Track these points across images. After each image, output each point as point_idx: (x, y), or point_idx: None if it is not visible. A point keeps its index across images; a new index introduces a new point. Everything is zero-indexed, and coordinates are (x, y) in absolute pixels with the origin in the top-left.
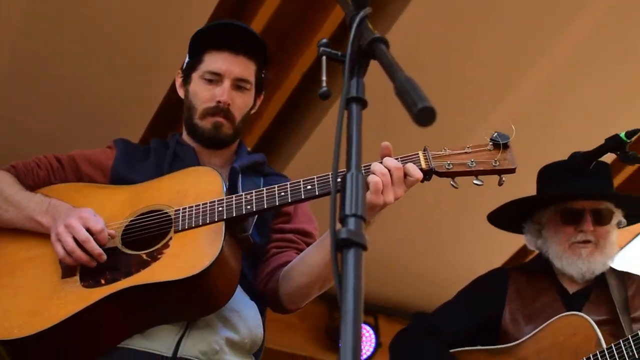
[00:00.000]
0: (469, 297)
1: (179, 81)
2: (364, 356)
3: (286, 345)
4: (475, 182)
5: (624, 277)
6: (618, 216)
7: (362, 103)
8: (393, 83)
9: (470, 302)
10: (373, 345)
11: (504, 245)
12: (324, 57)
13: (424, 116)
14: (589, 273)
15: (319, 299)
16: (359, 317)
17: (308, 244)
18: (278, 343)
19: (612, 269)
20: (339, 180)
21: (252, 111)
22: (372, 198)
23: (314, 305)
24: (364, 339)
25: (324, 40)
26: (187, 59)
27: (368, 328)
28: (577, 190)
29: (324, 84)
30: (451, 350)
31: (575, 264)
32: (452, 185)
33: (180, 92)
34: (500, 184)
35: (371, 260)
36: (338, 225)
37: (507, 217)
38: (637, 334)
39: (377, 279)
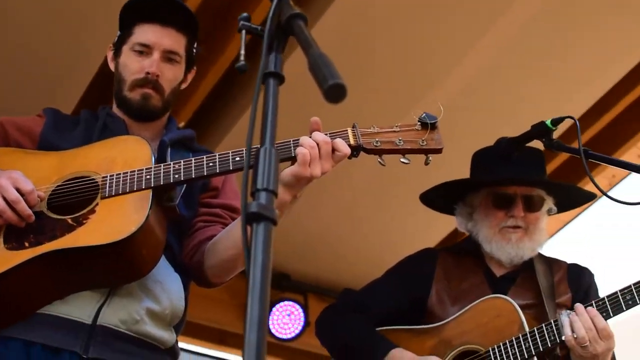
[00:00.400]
0: (396, 276)
1: (110, 54)
2: (293, 334)
3: (216, 321)
4: (402, 160)
5: (551, 264)
6: (549, 203)
7: (279, 78)
8: (307, 58)
9: (398, 282)
10: (302, 324)
11: (434, 228)
12: (243, 32)
13: (334, 92)
14: (517, 258)
15: None
16: (266, 291)
17: (234, 219)
18: (208, 319)
19: (540, 255)
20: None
21: (184, 85)
22: (299, 170)
23: (244, 282)
24: (293, 317)
25: (245, 15)
26: (118, 32)
27: (297, 307)
28: (510, 175)
29: (242, 57)
30: (377, 329)
31: (504, 248)
32: (380, 162)
33: (111, 65)
34: (426, 163)
35: (301, 239)
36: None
37: (439, 198)
38: (557, 320)
39: (306, 258)
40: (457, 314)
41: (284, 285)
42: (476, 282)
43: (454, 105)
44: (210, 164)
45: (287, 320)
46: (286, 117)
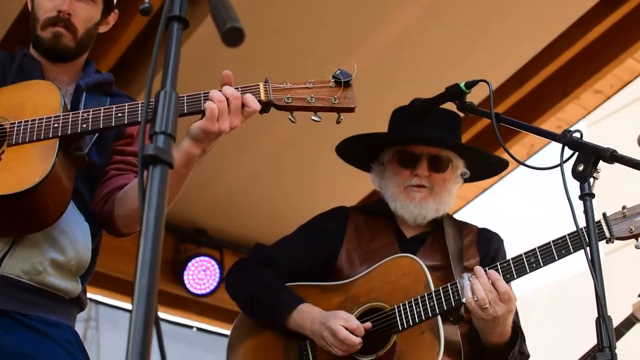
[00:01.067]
0: (307, 233)
1: None
2: (208, 290)
3: (130, 274)
4: (313, 118)
5: (462, 227)
6: (459, 166)
7: (183, 22)
8: (208, 2)
9: (309, 238)
10: (217, 279)
11: (357, 186)
12: None
13: (232, 36)
14: (420, 217)
15: (167, 229)
16: (159, 235)
17: None
18: (122, 271)
19: (451, 218)
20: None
21: (103, 28)
22: (207, 124)
23: None
24: (208, 272)
25: None
26: None
27: (213, 262)
28: (416, 134)
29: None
30: (289, 284)
31: (407, 207)
32: (290, 119)
33: (29, 6)
34: (338, 122)
35: (218, 194)
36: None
37: (357, 154)
38: (456, 282)
39: (223, 214)
40: (365, 272)
41: (201, 240)
42: (386, 243)
43: (380, 62)
44: (119, 115)
45: (202, 275)
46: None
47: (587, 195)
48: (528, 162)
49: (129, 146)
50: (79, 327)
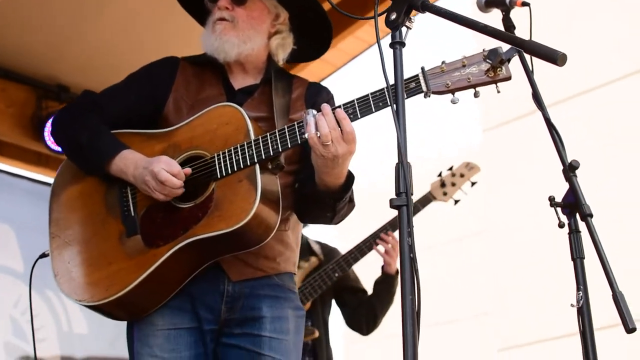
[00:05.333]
0: (136, 80)
1: None
2: None
3: (4, 133)
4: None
5: (292, 81)
6: (272, 7)
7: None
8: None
9: (136, 85)
10: None
11: None
12: None
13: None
14: (221, 52)
15: (28, 85)
16: None
17: None
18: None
19: (281, 71)
20: None
21: None
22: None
23: (20, 91)
24: None
25: None
26: None
27: None
28: None
29: None
30: (113, 132)
31: (209, 39)
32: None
33: None
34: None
35: (81, 52)
36: None
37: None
38: (284, 128)
39: (86, 71)
40: (189, 120)
41: (63, 97)
42: (214, 94)
43: None
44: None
45: None
46: None
47: (397, 44)
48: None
49: None
50: None
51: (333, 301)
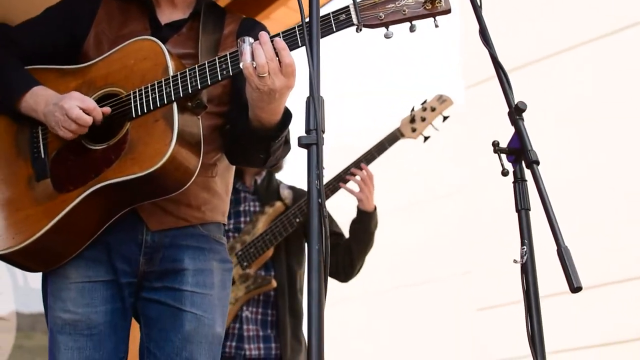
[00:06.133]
0: (54, 13)
1: None
2: None
3: None
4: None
5: (225, 16)
6: None
7: None
8: None
9: (55, 18)
10: None
11: None
12: None
13: None
14: None
15: None
16: None
17: None
18: None
19: (215, 6)
20: None
21: None
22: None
23: None
24: None
25: None
26: None
27: None
28: None
29: None
30: (26, 67)
31: None
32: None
33: None
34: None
35: None
36: None
37: None
38: (204, 64)
39: None
40: (105, 55)
41: None
42: (138, 29)
43: None
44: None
45: None
46: None
47: None
48: None
49: None
50: None
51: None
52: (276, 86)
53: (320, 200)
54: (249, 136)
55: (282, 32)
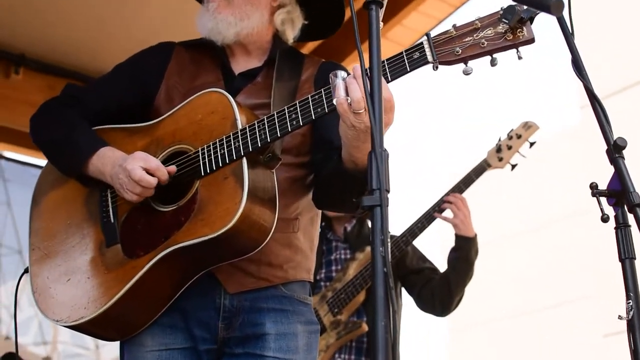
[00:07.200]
0: (124, 70)
1: None
2: None
3: None
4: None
5: (304, 61)
6: None
7: None
8: None
9: (125, 75)
10: None
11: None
12: None
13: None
14: (216, 33)
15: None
16: None
17: None
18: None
19: (292, 50)
20: None
21: None
22: None
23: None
24: None
25: None
26: None
27: None
28: None
29: None
30: (94, 128)
31: (202, 19)
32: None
33: None
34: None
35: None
36: None
37: None
38: (273, 114)
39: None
40: (173, 110)
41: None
42: (211, 80)
43: None
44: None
45: None
46: None
47: (372, 3)
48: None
49: None
50: None
51: (404, 291)
52: None
53: (385, 270)
54: (342, 179)
55: (388, 59)
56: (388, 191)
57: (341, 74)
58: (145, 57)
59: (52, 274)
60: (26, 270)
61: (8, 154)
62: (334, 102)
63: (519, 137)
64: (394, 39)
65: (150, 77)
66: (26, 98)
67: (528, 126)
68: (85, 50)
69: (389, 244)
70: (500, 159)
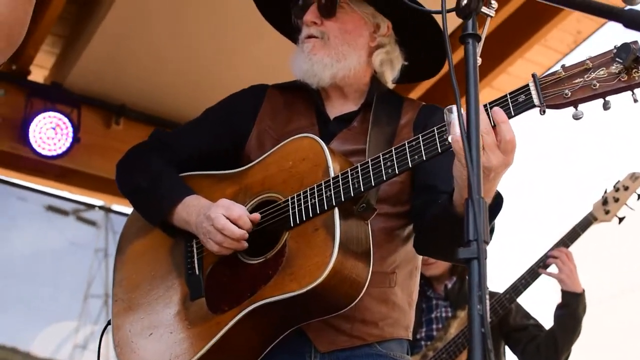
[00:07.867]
0: (214, 113)
1: None
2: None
3: None
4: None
5: (403, 105)
6: (370, 16)
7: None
8: None
9: (215, 119)
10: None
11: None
12: None
13: None
14: (311, 75)
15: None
16: None
17: None
18: None
19: (391, 93)
20: None
21: None
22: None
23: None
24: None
25: None
26: None
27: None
28: None
29: None
30: (182, 175)
31: (297, 61)
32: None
33: None
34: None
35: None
36: None
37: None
38: (367, 162)
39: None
40: (263, 156)
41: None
42: (305, 124)
43: None
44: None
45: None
46: None
47: (468, 37)
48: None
49: None
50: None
51: (507, 350)
52: (492, 164)
53: (483, 330)
54: (450, 223)
55: (490, 103)
56: (487, 243)
57: (455, 109)
58: (237, 100)
59: (135, 327)
60: (109, 323)
61: (116, 207)
62: (449, 139)
63: (626, 188)
64: (500, 87)
65: (242, 121)
66: (127, 149)
67: (635, 177)
68: (185, 98)
69: (488, 302)
70: (607, 212)
